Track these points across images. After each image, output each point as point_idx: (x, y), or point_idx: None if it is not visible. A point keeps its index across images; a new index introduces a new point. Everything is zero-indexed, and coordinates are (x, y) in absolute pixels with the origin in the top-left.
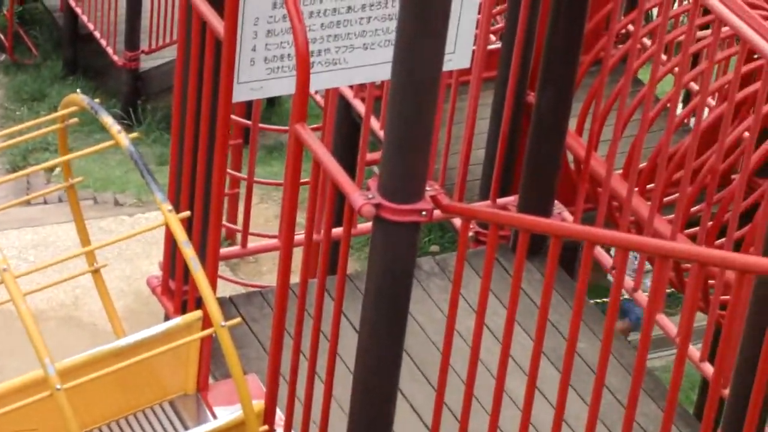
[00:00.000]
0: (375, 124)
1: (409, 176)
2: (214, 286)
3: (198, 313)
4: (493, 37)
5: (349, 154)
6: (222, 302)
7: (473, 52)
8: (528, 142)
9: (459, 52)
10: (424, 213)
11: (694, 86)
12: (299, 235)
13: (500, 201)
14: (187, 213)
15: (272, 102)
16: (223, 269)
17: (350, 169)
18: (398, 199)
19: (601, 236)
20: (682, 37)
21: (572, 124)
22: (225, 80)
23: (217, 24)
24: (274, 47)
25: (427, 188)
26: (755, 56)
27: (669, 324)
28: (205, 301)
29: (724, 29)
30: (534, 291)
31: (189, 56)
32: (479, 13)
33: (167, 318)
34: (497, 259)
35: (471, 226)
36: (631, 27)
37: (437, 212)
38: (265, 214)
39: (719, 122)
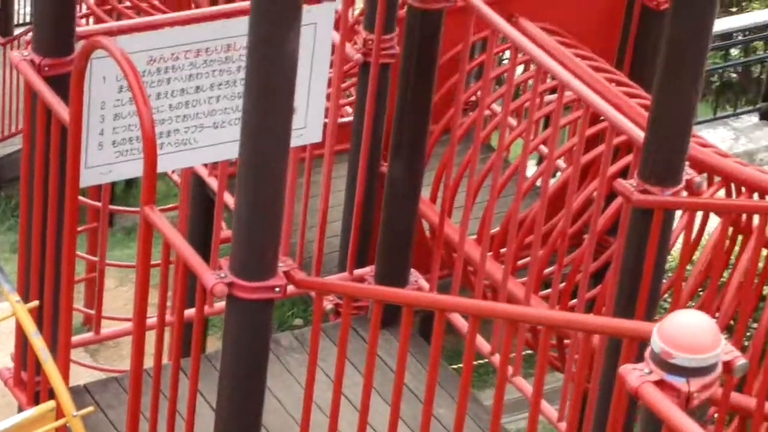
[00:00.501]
0: (231, 200)
1: (261, 253)
2: (66, 375)
3: (51, 404)
4: (349, 109)
5: (204, 232)
6: (77, 391)
7: (325, 125)
8: (382, 213)
9: (310, 126)
10: (277, 289)
11: (545, 150)
12: (152, 318)
13: (358, 272)
14: (35, 303)
15: (130, 183)
16: (82, 355)
17: (207, 246)
18: (250, 276)
19: (451, 304)
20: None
21: (427, 192)
22: (71, 166)
23: (62, 110)
24: (122, 130)
25: (280, 264)
26: (601, 118)
27: (527, 386)
28: (56, 391)
29: (569, 93)
30: (393, 360)
31: (35, 143)
32: (329, 87)
33: (21, 410)
34: (356, 330)
35: (330, 299)
36: (479, 94)
37: (291, 287)
38: (124, 297)
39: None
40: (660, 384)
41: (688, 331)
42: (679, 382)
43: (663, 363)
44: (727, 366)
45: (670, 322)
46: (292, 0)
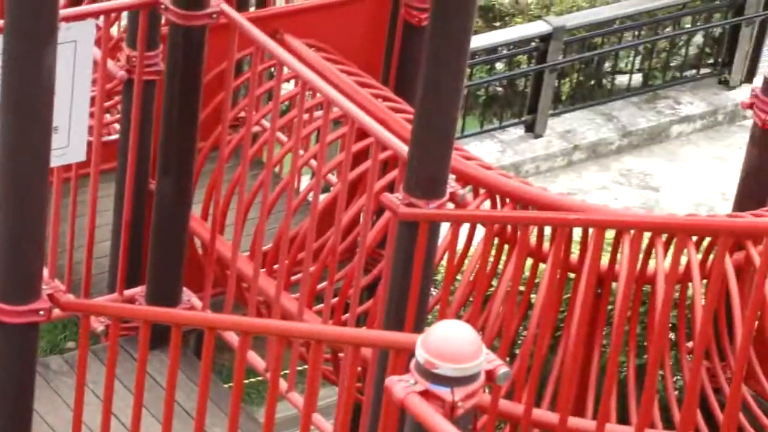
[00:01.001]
0: None
1: (24, 275)
2: None
3: None
4: (118, 126)
5: None
6: None
7: (90, 143)
8: (151, 231)
9: (73, 145)
10: (41, 312)
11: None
12: None
13: (128, 293)
14: None
15: None
16: None
17: None
18: (14, 300)
19: (220, 322)
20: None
21: (198, 210)
22: None
23: None
24: None
25: (45, 286)
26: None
27: (301, 401)
28: None
29: (336, 109)
30: (165, 379)
31: None
32: (93, 105)
33: None
34: (128, 351)
35: (102, 320)
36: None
37: (57, 310)
38: None
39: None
40: (425, 394)
41: (451, 342)
42: (443, 391)
43: (427, 373)
44: (490, 375)
45: (433, 333)
46: (48, 17)
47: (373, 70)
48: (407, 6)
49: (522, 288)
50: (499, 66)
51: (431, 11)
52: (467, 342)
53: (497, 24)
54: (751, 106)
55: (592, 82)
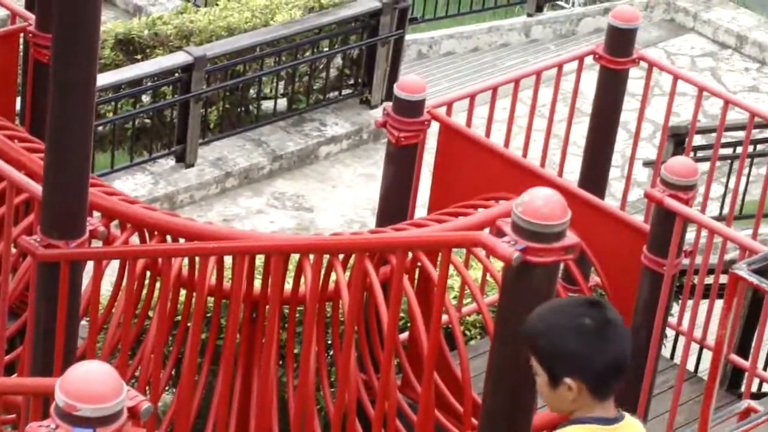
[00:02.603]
0: None
1: None
2: None
3: None
4: None
5: None
6: None
7: None
8: None
9: None
10: None
11: None
12: None
13: None
14: None
15: None
16: None
17: None
18: None
19: None
20: None
21: None
22: None
23: None
24: None
25: None
26: None
27: None
28: None
29: None
30: None
31: None
32: None
33: None
34: None
35: None
36: None
37: None
38: None
39: None
40: None
41: (89, 382)
42: None
43: (68, 416)
44: (133, 411)
45: (71, 374)
46: None
47: (7, 111)
48: (35, 45)
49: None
50: (145, 98)
51: (52, 47)
52: (106, 381)
53: (138, 56)
54: (384, 124)
55: (240, 109)
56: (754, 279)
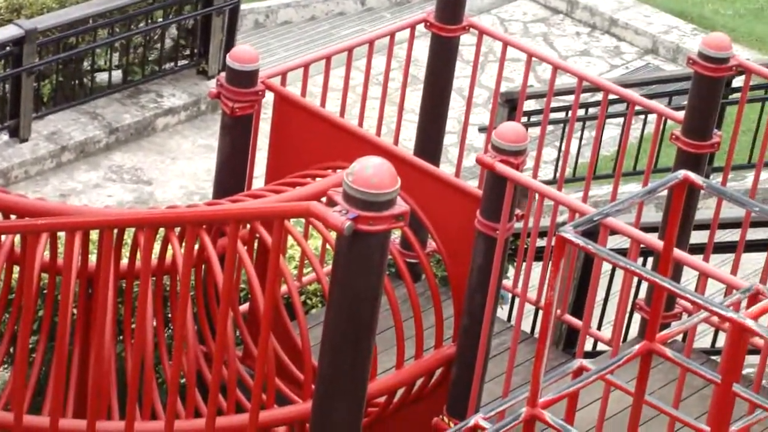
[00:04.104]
0: None
1: None
2: None
3: None
4: None
5: None
6: None
7: None
8: None
9: None
10: None
11: None
12: None
13: None
14: None
15: None
16: None
17: None
18: None
19: None
20: None
21: None
22: None
23: None
24: None
25: None
26: None
27: None
28: None
29: None
30: None
31: None
32: None
33: None
34: None
35: None
36: None
37: None
38: None
39: None
40: None
41: None
42: None
43: None
44: None
45: None
46: None
47: None
48: None
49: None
50: None
51: None
52: None
53: None
54: (218, 95)
55: (74, 82)
56: (580, 241)
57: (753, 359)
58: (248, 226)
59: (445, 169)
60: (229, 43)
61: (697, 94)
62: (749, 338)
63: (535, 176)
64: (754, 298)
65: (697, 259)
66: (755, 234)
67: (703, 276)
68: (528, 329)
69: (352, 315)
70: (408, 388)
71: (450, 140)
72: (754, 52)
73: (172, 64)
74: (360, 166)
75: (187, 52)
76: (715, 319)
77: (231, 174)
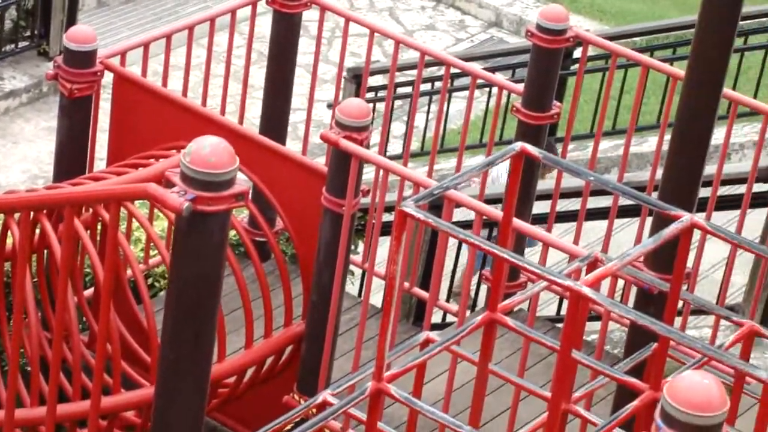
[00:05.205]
0: None
1: None
2: None
3: None
4: None
5: None
6: None
7: None
8: None
9: None
10: None
11: None
12: None
13: None
14: None
15: None
16: None
17: None
18: None
19: None
20: None
21: None
22: None
23: None
24: None
25: None
26: None
27: None
28: None
29: None
30: None
31: None
32: None
33: None
34: None
35: None
36: None
37: None
38: None
39: None
40: None
41: None
42: None
43: None
44: None
45: None
46: None
47: None
48: None
49: None
50: None
51: None
52: None
53: None
54: (55, 77)
55: None
56: (420, 215)
57: (598, 326)
58: (90, 210)
59: (294, 146)
60: (71, 23)
61: (535, 66)
62: (588, 305)
63: (381, 151)
64: (593, 265)
65: (538, 228)
66: (599, 202)
67: (545, 245)
68: (379, 304)
69: (192, 296)
70: (258, 367)
71: (299, 117)
72: (595, 23)
73: (13, 45)
74: (197, 146)
75: (28, 33)
76: (558, 288)
77: (71, 157)
